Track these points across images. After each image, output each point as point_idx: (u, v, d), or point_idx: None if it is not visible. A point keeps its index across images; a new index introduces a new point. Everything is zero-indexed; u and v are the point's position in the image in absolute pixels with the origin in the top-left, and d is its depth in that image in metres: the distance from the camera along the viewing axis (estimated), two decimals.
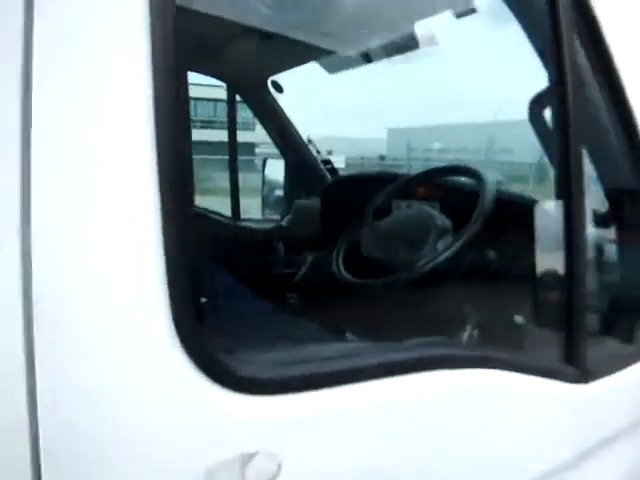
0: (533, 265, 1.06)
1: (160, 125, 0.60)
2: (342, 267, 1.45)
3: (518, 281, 1.18)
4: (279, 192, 3.09)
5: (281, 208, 2.96)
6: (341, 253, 1.50)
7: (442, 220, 1.35)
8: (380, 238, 1.43)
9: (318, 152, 2.75)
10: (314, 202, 2.62)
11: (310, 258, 2.08)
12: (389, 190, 1.55)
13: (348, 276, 1.41)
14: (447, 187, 1.61)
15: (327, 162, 2.79)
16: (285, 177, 2.89)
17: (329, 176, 2.75)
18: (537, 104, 1.10)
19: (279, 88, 2.41)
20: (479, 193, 1.28)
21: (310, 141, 2.71)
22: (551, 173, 1.04)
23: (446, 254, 1.22)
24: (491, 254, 1.30)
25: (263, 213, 3.09)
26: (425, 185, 1.65)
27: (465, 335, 1.26)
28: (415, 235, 1.33)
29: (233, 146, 2.67)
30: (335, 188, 2.09)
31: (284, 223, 2.77)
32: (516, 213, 1.28)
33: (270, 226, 2.82)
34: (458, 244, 1.22)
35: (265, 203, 3.06)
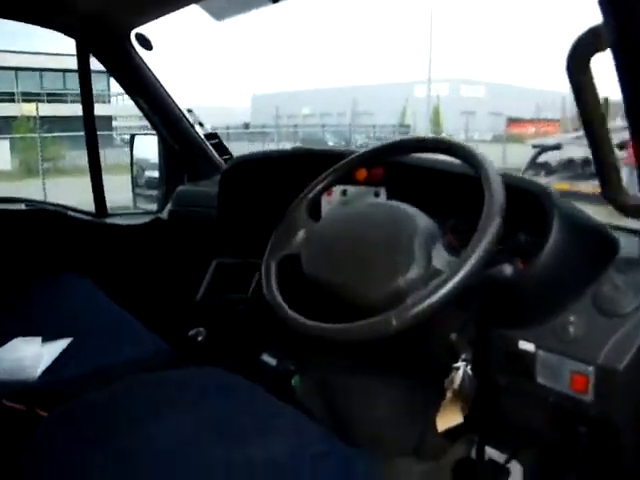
0: None
1: None
2: (279, 296, 0.99)
3: None
4: (153, 176, 2.53)
5: (158, 196, 2.41)
6: (272, 272, 1.04)
7: (424, 220, 0.96)
8: (333, 251, 0.99)
9: (201, 125, 2.24)
10: (204, 189, 2.13)
11: (214, 267, 1.60)
12: (331, 176, 1.12)
13: (293, 315, 0.95)
14: (407, 168, 1.23)
15: (212, 136, 2.29)
16: (161, 157, 2.33)
17: (216, 155, 2.26)
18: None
19: (147, 44, 1.84)
20: (479, 177, 0.90)
21: (190, 111, 2.18)
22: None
23: (462, 274, 0.82)
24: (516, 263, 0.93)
25: (134, 203, 2.52)
26: (374, 166, 1.25)
27: None
28: (389, 245, 0.92)
29: (89, 120, 2.05)
30: (240, 172, 1.60)
31: (163, 216, 2.23)
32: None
33: (145, 220, 2.26)
34: (476, 258, 0.83)
35: (136, 192, 2.49)
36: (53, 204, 2.13)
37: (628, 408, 0.94)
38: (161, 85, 2.02)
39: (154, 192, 2.51)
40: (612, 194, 0.91)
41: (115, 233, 2.17)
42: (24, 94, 15.50)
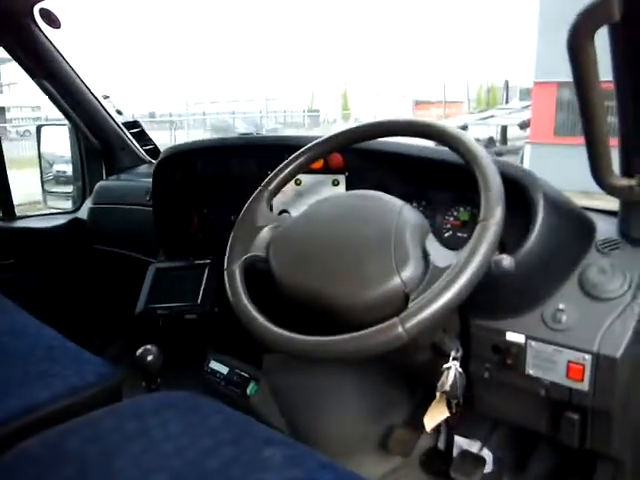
0: None
1: None
2: (252, 309, 0.83)
3: None
4: (63, 170, 2.27)
5: (72, 194, 2.16)
6: (238, 280, 0.88)
7: (411, 211, 0.84)
8: (311, 251, 0.85)
9: (119, 112, 2.02)
10: (128, 183, 1.93)
11: (153, 272, 1.42)
12: (293, 164, 0.98)
13: (276, 330, 0.80)
14: (367, 154, 1.12)
15: (132, 125, 2.08)
16: (75, 149, 2.09)
17: (136, 145, 2.05)
18: None
19: (53, 20, 1.61)
20: (469, 164, 0.80)
21: (107, 97, 1.96)
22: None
23: (471, 271, 0.71)
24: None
25: (45, 202, 2.25)
26: (338, 151, 1.13)
27: None
28: (379, 241, 0.79)
29: None
30: (176, 164, 1.42)
31: (83, 216, 2.00)
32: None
33: (61, 222, 2.02)
34: (484, 252, 0.70)
35: (47, 189, 2.22)
36: None
37: (623, 393, 0.91)
38: (72, 68, 1.79)
39: (66, 188, 2.27)
40: (601, 176, 0.87)
41: (27, 238, 1.91)
42: None
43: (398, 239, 0.80)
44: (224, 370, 1.49)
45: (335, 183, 1.23)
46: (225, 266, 0.92)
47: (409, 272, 0.77)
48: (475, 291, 0.75)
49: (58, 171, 2.38)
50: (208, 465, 0.78)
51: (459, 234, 1.12)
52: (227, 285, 0.89)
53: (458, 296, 0.71)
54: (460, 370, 0.93)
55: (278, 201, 1.28)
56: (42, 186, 2.22)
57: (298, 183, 1.26)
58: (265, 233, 0.94)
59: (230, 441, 0.83)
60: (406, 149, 1.12)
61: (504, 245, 1.00)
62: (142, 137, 2.09)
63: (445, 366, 0.93)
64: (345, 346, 0.73)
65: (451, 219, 1.13)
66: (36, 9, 1.57)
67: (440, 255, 0.79)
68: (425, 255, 0.79)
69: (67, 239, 1.98)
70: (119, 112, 2.01)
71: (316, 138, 1.02)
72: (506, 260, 0.78)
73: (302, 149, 1.01)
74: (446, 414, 0.98)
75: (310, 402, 1.45)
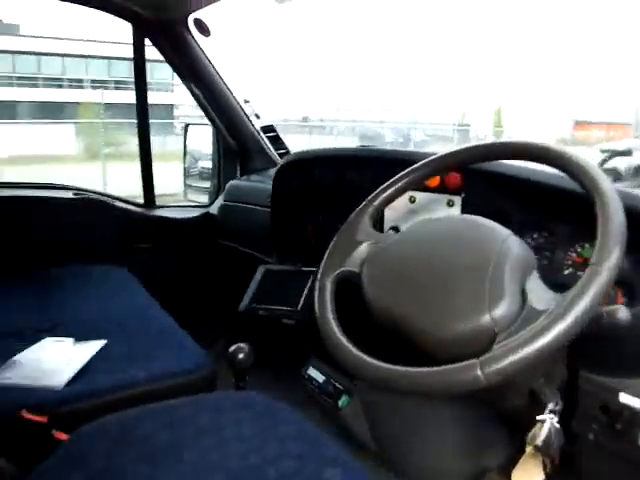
0: None
1: None
2: (335, 326, 0.81)
3: None
4: (206, 167, 2.43)
5: (209, 189, 2.31)
6: (327, 294, 0.87)
7: (517, 243, 0.77)
8: (403, 272, 0.81)
9: (257, 116, 2.12)
10: (257, 184, 2.01)
11: (262, 273, 1.46)
12: (402, 181, 0.95)
13: (358, 355, 0.76)
14: (488, 176, 1.05)
15: (269, 129, 2.16)
16: (215, 148, 2.23)
17: (271, 148, 2.13)
18: None
19: (205, 29, 1.73)
20: (590, 194, 0.71)
21: (247, 101, 2.06)
22: None
23: (571, 319, 0.63)
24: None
25: (185, 195, 2.42)
26: (450, 171, 1.08)
27: None
28: (475, 272, 0.73)
29: (142, 108, 1.96)
30: (297, 170, 1.46)
31: (214, 211, 2.13)
32: None
33: (194, 214, 2.17)
34: (590, 299, 0.61)
35: (188, 183, 2.39)
36: (102, 193, 2.07)
37: None
38: (218, 73, 1.91)
39: (205, 184, 2.43)
40: None
41: (162, 226, 2.08)
42: (93, 81, 15.99)
43: (496, 272, 0.73)
44: (320, 378, 1.49)
45: (450, 204, 1.17)
46: (318, 278, 0.91)
47: (501, 310, 0.70)
48: (586, 341, 0.66)
49: (203, 167, 2.55)
50: (267, 473, 0.78)
51: (580, 273, 1.00)
52: (316, 298, 0.88)
53: (550, 346, 0.63)
54: (557, 426, 0.83)
55: (389, 217, 1.25)
56: (184, 180, 2.39)
57: (412, 200, 1.22)
58: (363, 249, 0.92)
59: (296, 454, 0.82)
60: (530, 174, 1.04)
61: (633, 291, 0.89)
62: (277, 141, 2.17)
63: (539, 418, 0.83)
64: (419, 380, 0.69)
65: (573, 255, 1.02)
66: (190, 19, 1.70)
67: (540, 296, 0.71)
68: (523, 293, 0.72)
69: (197, 232, 2.12)
70: (257, 116, 2.11)
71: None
72: (622, 312, 0.68)
73: (413, 166, 0.97)
74: (540, 476, 0.88)
75: (402, 428, 1.40)
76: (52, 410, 1.00)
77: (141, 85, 1.91)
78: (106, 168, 9.02)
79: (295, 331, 1.40)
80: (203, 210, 2.19)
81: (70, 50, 14.26)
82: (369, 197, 0.98)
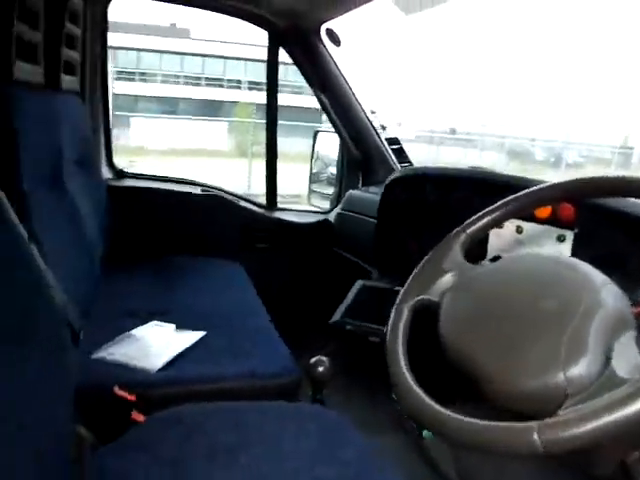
0: None
1: None
2: (402, 357, 0.77)
3: None
4: (333, 174, 2.47)
5: (331, 197, 2.34)
6: (402, 321, 0.83)
7: (614, 296, 0.67)
8: (481, 310, 0.75)
9: (383, 128, 2.11)
10: (373, 196, 2.00)
11: (358, 288, 1.44)
12: (503, 208, 0.88)
13: (423, 399, 0.69)
14: (605, 213, 0.94)
15: (393, 141, 2.14)
16: (339, 157, 2.26)
17: (395, 161, 2.11)
18: None
19: (336, 39, 1.75)
20: None
21: (374, 112, 2.06)
22: None
23: None
24: None
25: (309, 200, 2.47)
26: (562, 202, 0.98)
27: None
28: (557, 321, 0.65)
29: (271, 111, 2.04)
30: (406, 186, 1.42)
31: (331, 218, 2.16)
32: None
33: (311, 220, 2.21)
34: None
35: (313, 189, 2.44)
36: (227, 191, 2.18)
37: None
38: (346, 82, 1.93)
39: (330, 190, 2.46)
40: None
41: (280, 228, 2.15)
42: (250, 82, 17.05)
43: (579, 324, 0.64)
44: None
45: (561, 239, 1.06)
46: (397, 302, 0.87)
47: (579, 369, 0.61)
48: None
49: (332, 173, 2.60)
50: None
51: None
52: (389, 324, 0.84)
53: (628, 420, 0.54)
54: None
55: (495, 245, 1.17)
56: (309, 185, 2.45)
57: (519, 231, 1.13)
58: (447, 278, 0.86)
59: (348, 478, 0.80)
60: None
61: None
62: (401, 154, 2.14)
63: None
64: (479, 435, 0.63)
65: None
66: (323, 28, 1.74)
67: (628, 361, 0.61)
68: (608, 354, 0.62)
69: (314, 237, 2.16)
70: (383, 127, 2.10)
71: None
72: None
73: (513, 196, 0.89)
74: None
75: (488, 469, 1.31)
76: (141, 390, 1.07)
77: (273, 89, 1.99)
78: (251, 165, 9.56)
79: (380, 352, 1.37)
80: (322, 216, 2.23)
81: (231, 53, 15.32)
82: (463, 224, 0.92)
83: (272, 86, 1.99)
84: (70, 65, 1.55)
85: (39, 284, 0.74)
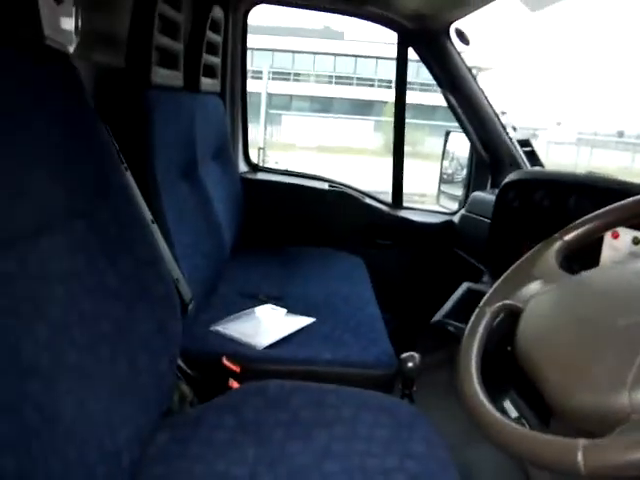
0: None
1: None
2: (474, 364, 0.75)
3: None
4: (459, 176, 2.43)
5: (460, 198, 2.31)
6: (482, 324, 0.82)
7: None
8: (559, 322, 0.72)
9: (514, 129, 2.04)
10: (494, 198, 1.95)
11: (463, 290, 1.43)
12: (606, 216, 0.82)
13: (489, 411, 0.66)
14: None
15: (525, 143, 2.06)
16: (469, 158, 2.22)
17: (527, 163, 2.03)
18: None
19: (465, 39, 1.74)
20: None
21: (504, 113, 2.00)
22: None
23: None
24: None
25: (437, 200, 2.46)
26: None
27: None
28: (631, 341, 0.61)
29: (400, 110, 2.07)
30: (521, 189, 1.38)
31: (455, 219, 2.14)
32: None
33: (436, 220, 2.20)
34: None
35: (442, 189, 2.43)
36: (354, 188, 2.25)
37: None
38: (476, 82, 1.90)
39: (459, 191, 2.43)
40: None
41: (404, 227, 2.17)
42: (380, 80, 17.17)
43: None
44: (513, 414, 1.39)
45: None
46: (480, 303, 0.87)
47: None
48: None
49: (462, 174, 2.57)
50: None
51: None
52: (470, 322, 0.85)
53: None
54: None
55: (607, 256, 1.10)
56: (439, 185, 2.44)
57: (636, 242, 1.06)
58: (535, 285, 0.84)
59: (413, 473, 0.83)
60: None
61: None
62: (532, 157, 2.06)
63: None
64: (529, 445, 0.62)
65: None
66: (452, 28, 1.73)
67: None
68: None
69: (437, 238, 2.16)
70: (514, 129, 2.03)
71: None
72: None
73: (620, 203, 0.84)
74: None
75: None
76: (245, 363, 1.19)
77: (401, 88, 2.02)
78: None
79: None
80: (445, 217, 2.22)
81: (382, 53, 15.48)
82: (564, 228, 0.89)
83: (401, 86, 2.02)
84: (210, 68, 1.73)
85: (154, 258, 0.86)
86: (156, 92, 1.29)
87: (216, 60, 1.77)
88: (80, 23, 1.17)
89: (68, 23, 1.14)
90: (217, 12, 1.68)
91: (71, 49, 1.14)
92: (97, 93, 1.20)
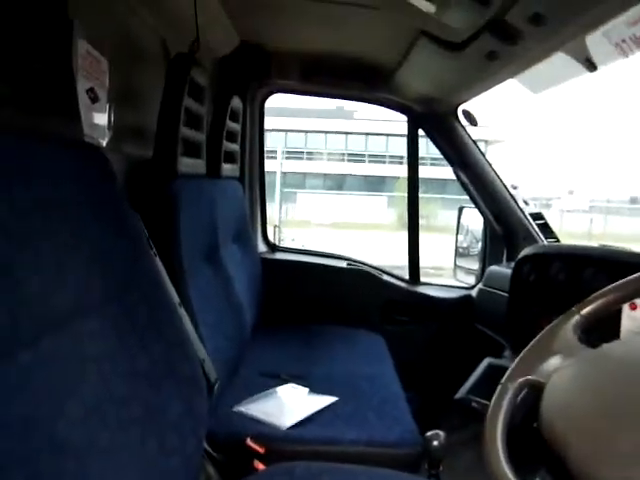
0: None
1: None
2: (499, 442, 0.75)
3: None
4: (475, 249, 2.46)
5: (476, 272, 2.33)
6: (505, 400, 0.82)
7: None
8: (580, 397, 0.72)
9: (526, 203, 2.09)
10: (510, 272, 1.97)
11: (485, 366, 1.43)
12: (625, 288, 0.85)
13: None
14: None
15: (538, 216, 2.10)
16: (483, 232, 2.26)
17: (541, 236, 2.06)
18: None
19: (472, 119, 1.83)
20: None
21: (515, 187, 2.06)
22: None
23: None
24: None
25: (454, 275, 2.48)
26: None
27: None
28: None
29: (413, 187, 2.14)
30: (536, 263, 1.41)
31: (474, 294, 2.15)
32: None
33: (453, 295, 2.21)
34: None
35: (457, 263, 2.45)
36: (372, 266, 2.28)
37: None
38: (485, 159, 1.98)
39: (475, 265, 2.45)
40: None
41: (422, 303, 2.19)
42: (391, 156, 17.65)
43: None
44: None
45: None
46: (502, 380, 0.87)
47: None
48: None
49: (477, 248, 2.59)
50: None
51: None
52: (493, 399, 0.85)
53: None
54: None
55: (627, 327, 1.11)
56: (454, 260, 2.46)
57: None
58: (556, 360, 0.84)
59: None
60: None
61: None
62: (545, 229, 2.09)
63: None
64: None
65: None
66: (459, 110, 1.83)
67: None
68: None
69: (456, 313, 2.16)
70: (526, 202, 2.08)
71: None
72: None
73: (635, 275, 0.86)
74: None
75: None
76: (269, 444, 1.18)
77: (414, 167, 2.10)
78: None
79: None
80: (463, 292, 2.23)
81: (392, 130, 16.00)
82: (582, 301, 0.90)
83: (413, 164, 2.10)
84: (230, 155, 1.83)
85: (182, 340, 0.89)
86: (181, 181, 1.36)
87: (235, 147, 1.87)
88: (112, 119, 1.28)
89: (102, 119, 1.24)
90: (236, 102, 1.80)
91: (104, 143, 1.24)
92: (127, 183, 1.27)
